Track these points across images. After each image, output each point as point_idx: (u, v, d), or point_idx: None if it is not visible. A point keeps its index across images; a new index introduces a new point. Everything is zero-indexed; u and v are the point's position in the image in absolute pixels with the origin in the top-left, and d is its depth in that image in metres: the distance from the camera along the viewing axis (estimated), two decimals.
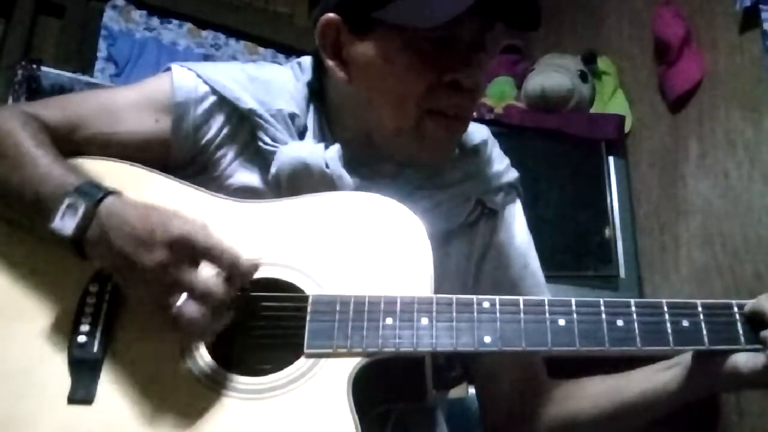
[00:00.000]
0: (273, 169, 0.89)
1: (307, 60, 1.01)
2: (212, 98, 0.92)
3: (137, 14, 2.62)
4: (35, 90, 2.24)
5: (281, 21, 2.85)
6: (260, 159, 0.92)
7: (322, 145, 0.90)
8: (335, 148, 0.90)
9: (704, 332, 0.75)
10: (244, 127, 0.93)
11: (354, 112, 0.93)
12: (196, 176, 0.92)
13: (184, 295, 0.71)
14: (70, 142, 0.89)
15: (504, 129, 2.35)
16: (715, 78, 2.05)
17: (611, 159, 2.31)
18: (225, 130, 0.93)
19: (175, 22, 2.69)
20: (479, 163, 0.99)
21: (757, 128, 1.90)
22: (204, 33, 2.71)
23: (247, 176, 0.92)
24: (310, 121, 0.95)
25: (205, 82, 0.93)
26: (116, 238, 0.74)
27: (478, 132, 1.02)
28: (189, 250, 0.72)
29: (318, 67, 0.96)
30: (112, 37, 2.54)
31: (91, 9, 2.55)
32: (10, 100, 2.20)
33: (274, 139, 0.91)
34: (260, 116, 0.91)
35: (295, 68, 1.00)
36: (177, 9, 2.69)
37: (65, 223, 0.75)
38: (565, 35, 2.77)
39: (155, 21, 2.65)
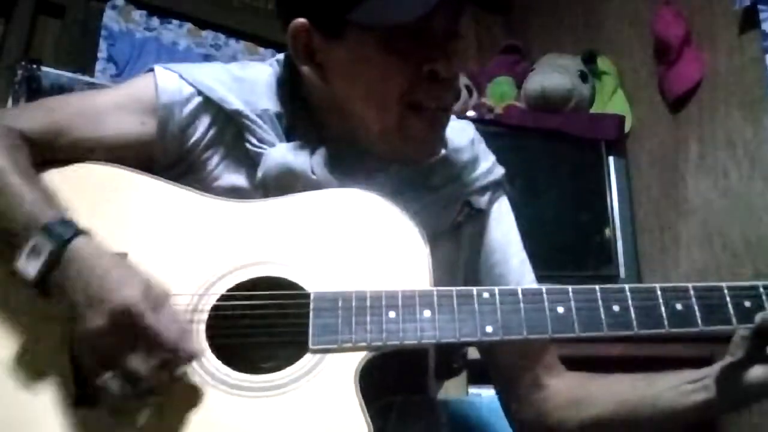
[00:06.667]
0: (260, 173, 0.89)
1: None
2: (197, 99, 0.92)
3: (137, 14, 2.62)
4: (35, 90, 2.24)
5: None
6: (247, 160, 0.91)
7: (308, 150, 0.90)
8: (321, 153, 0.90)
9: (697, 314, 0.77)
10: (231, 128, 0.92)
11: (335, 113, 0.92)
12: (182, 177, 0.91)
13: (110, 373, 0.70)
14: (54, 149, 0.88)
15: (504, 129, 2.35)
16: (715, 78, 2.04)
17: (611, 159, 2.31)
18: (211, 132, 0.92)
19: (175, 22, 2.68)
20: (465, 163, 0.99)
21: (757, 128, 1.90)
22: (204, 33, 2.71)
23: (234, 177, 0.92)
24: (296, 120, 0.94)
25: (190, 84, 0.92)
26: (72, 290, 0.72)
27: (463, 131, 1.02)
28: (128, 326, 0.70)
29: (293, 69, 0.95)
30: (112, 37, 2.53)
31: (91, 9, 2.54)
32: (10, 100, 2.20)
33: (261, 141, 0.91)
34: (246, 117, 0.91)
35: (275, 65, 0.99)
36: (177, 9, 2.67)
37: (29, 265, 0.73)
38: (565, 35, 2.77)
39: (155, 21, 2.65)
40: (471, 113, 2.49)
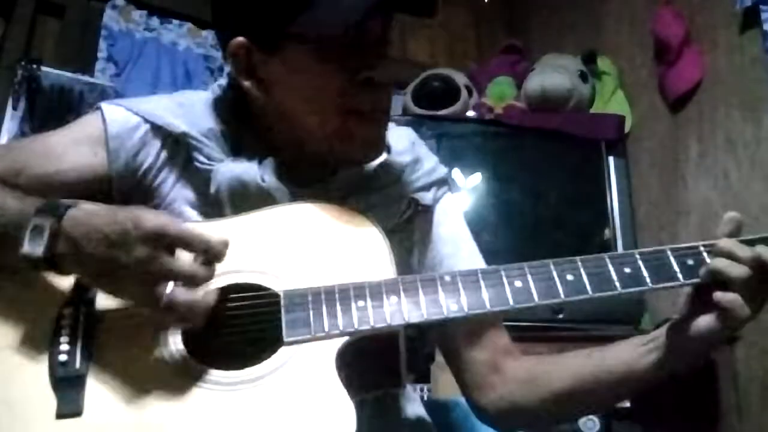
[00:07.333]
0: (212, 189, 0.93)
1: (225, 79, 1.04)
2: (145, 126, 0.96)
3: (137, 14, 2.62)
4: (35, 90, 2.24)
5: None
6: (199, 179, 0.95)
7: (255, 162, 0.94)
8: (268, 163, 0.94)
9: (645, 275, 0.82)
10: (181, 151, 0.96)
11: (279, 125, 0.96)
12: (140, 205, 0.93)
13: (171, 284, 0.75)
14: (14, 188, 0.89)
15: (504, 129, 2.36)
16: (715, 78, 2.05)
17: (611, 159, 2.32)
18: (162, 157, 0.96)
19: (175, 22, 2.68)
20: (408, 163, 1.03)
21: (757, 128, 1.90)
22: (204, 33, 2.71)
23: (189, 196, 0.95)
24: (242, 136, 0.99)
25: (135, 114, 0.96)
26: (88, 246, 0.75)
27: (404, 135, 1.07)
28: (165, 241, 0.76)
29: (235, 87, 0.99)
30: (112, 37, 2.54)
31: (91, 9, 2.54)
32: (10, 101, 2.21)
33: (209, 158, 0.95)
34: (194, 137, 0.95)
35: (216, 89, 1.03)
36: (177, 9, 2.68)
37: (34, 246, 0.76)
38: (565, 35, 2.77)
39: (155, 21, 2.65)
40: (471, 113, 2.50)
